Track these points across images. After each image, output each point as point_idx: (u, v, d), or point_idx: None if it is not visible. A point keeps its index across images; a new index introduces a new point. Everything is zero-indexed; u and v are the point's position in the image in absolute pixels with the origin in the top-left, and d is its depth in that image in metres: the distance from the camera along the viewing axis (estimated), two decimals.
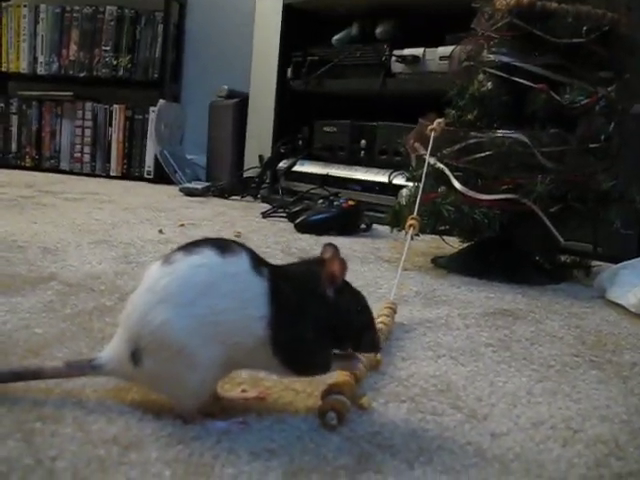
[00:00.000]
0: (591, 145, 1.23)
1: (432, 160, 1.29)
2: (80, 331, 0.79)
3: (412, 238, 1.15)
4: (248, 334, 0.54)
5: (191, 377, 0.54)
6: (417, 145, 1.35)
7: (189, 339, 0.53)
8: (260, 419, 0.58)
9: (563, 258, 1.45)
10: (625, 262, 1.24)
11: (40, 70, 3.27)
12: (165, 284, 0.54)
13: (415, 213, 1.18)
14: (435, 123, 1.31)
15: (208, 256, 0.55)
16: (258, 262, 0.56)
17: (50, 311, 0.86)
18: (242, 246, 0.57)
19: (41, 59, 3.26)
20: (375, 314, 0.63)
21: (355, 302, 0.59)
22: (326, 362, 0.59)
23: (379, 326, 0.81)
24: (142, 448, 0.51)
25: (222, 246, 0.56)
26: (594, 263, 1.42)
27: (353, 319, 0.58)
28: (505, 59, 1.28)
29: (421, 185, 1.23)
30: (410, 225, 1.15)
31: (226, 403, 0.61)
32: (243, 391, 0.63)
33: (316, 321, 0.56)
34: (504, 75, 1.28)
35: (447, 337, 0.90)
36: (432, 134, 1.29)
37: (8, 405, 0.56)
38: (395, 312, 0.92)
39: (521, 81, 1.25)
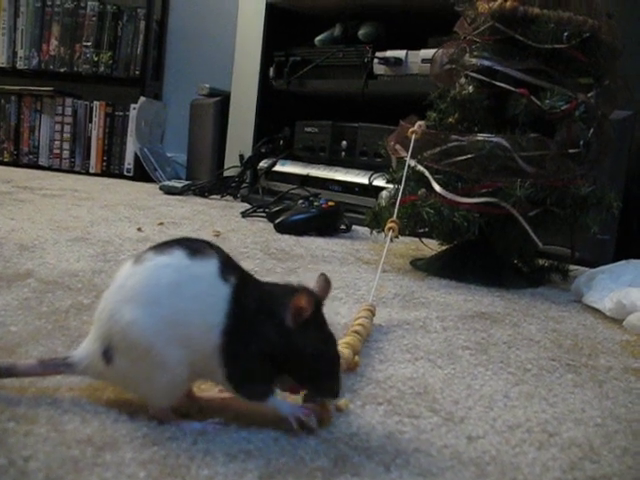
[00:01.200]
0: (570, 150, 1.24)
1: (412, 162, 1.29)
2: (56, 329, 0.78)
3: (392, 240, 1.16)
4: (205, 340, 0.53)
5: (160, 377, 0.54)
6: (398, 147, 1.36)
7: (155, 339, 0.52)
8: (237, 420, 0.58)
9: (541, 262, 1.46)
10: (602, 267, 1.25)
11: (20, 65, 3.23)
12: (133, 283, 0.54)
13: (395, 216, 1.18)
14: (416, 125, 1.31)
15: (176, 257, 0.54)
16: (229, 267, 0.55)
17: (26, 308, 0.85)
18: (216, 249, 0.57)
19: (21, 53, 3.23)
20: (354, 316, 0.63)
21: (317, 343, 0.55)
22: (265, 390, 0.56)
23: (356, 328, 0.82)
24: (117, 449, 0.50)
25: (193, 248, 0.55)
26: (572, 267, 1.44)
27: (309, 359, 0.55)
28: (487, 63, 1.29)
29: (401, 187, 1.24)
30: (390, 228, 1.16)
31: (203, 403, 0.61)
32: (220, 391, 0.62)
33: (267, 345, 0.54)
34: (485, 79, 1.29)
35: (425, 340, 0.90)
36: (413, 136, 1.29)
37: None
38: (373, 314, 0.92)
39: (502, 85, 1.26)
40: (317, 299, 0.56)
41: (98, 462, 0.48)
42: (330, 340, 0.57)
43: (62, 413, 0.56)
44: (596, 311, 1.16)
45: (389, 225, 1.16)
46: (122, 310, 0.53)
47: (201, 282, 0.54)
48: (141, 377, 0.54)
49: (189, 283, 0.53)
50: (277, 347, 0.54)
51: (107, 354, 0.54)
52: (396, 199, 1.24)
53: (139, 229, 1.55)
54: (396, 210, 1.19)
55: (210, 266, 0.54)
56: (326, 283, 0.59)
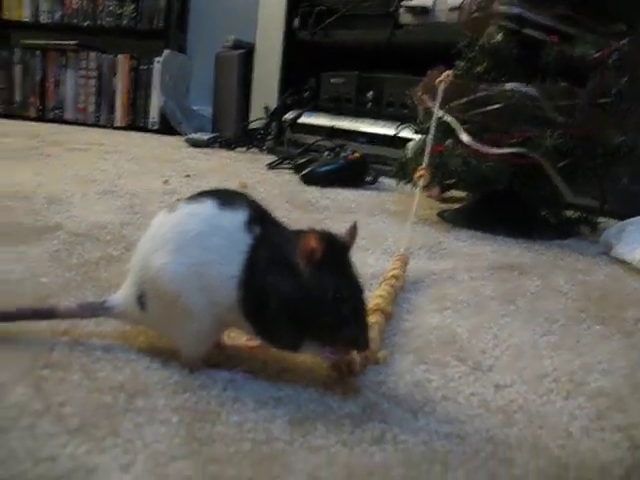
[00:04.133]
0: (601, 99, 1.21)
1: (440, 113, 1.27)
2: (86, 280, 0.79)
3: (422, 189, 1.15)
4: (225, 292, 0.53)
5: (189, 325, 0.54)
6: (425, 97, 1.34)
7: (182, 286, 0.53)
8: (265, 368, 0.59)
9: (570, 214, 1.44)
10: (632, 219, 1.23)
11: (43, 19, 3.22)
12: (164, 231, 0.55)
13: (424, 164, 1.17)
14: (443, 75, 1.29)
15: (206, 206, 0.54)
16: (256, 219, 0.54)
17: (56, 260, 0.86)
18: (248, 201, 0.56)
19: (44, 7, 3.22)
20: (388, 266, 0.61)
21: (336, 288, 0.52)
22: (293, 340, 0.54)
23: (391, 282, 0.81)
24: (149, 395, 0.51)
25: (225, 198, 0.55)
26: (601, 219, 1.42)
27: (327, 304, 0.52)
28: (516, 10, 1.26)
29: (429, 137, 1.22)
30: (420, 176, 1.15)
31: (231, 352, 0.61)
32: (248, 340, 0.63)
33: (282, 293, 0.52)
34: (515, 27, 1.26)
35: (452, 290, 0.90)
36: (441, 86, 1.27)
37: (16, 352, 0.57)
38: (406, 265, 0.91)
39: (532, 33, 1.23)
40: (339, 243, 0.54)
41: (130, 408, 0.49)
42: (353, 285, 0.54)
43: (95, 360, 0.57)
44: (625, 263, 1.14)
45: (419, 173, 1.15)
46: (153, 257, 0.54)
47: (223, 233, 0.53)
48: (172, 324, 0.55)
49: (212, 234, 0.53)
50: (293, 295, 0.52)
51: (141, 299, 0.56)
52: (423, 149, 1.23)
53: (165, 181, 1.56)
54: (426, 159, 1.18)
55: (237, 218, 0.54)
56: (352, 229, 0.57)
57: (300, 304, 0.52)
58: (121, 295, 0.59)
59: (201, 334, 0.55)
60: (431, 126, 1.24)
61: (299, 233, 0.53)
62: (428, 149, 1.20)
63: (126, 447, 0.44)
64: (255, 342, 0.61)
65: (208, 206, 0.54)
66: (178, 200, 0.57)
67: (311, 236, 0.51)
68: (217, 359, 0.59)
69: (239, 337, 0.64)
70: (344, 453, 0.46)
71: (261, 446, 0.46)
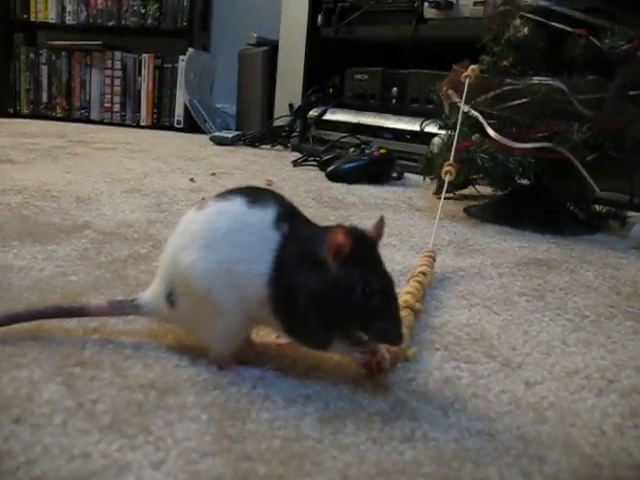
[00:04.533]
0: (631, 92, 1.19)
1: (466, 108, 1.26)
2: (115, 278, 0.80)
3: (449, 184, 1.14)
4: (254, 289, 0.53)
5: (219, 322, 0.54)
6: (451, 92, 1.33)
7: (212, 284, 0.53)
8: (295, 366, 0.59)
9: (598, 208, 1.42)
10: None
11: (69, 20, 3.25)
12: (194, 228, 0.55)
13: (452, 159, 1.16)
14: (469, 70, 1.28)
15: (236, 204, 0.54)
16: (284, 216, 0.54)
17: (85, 259, 0.87)
18: (277, 198, 0.56)
19: (69, 8, 3.24)
20: (415, 262, 0.61)
21: (366, 281, 0.51)
22: (323, 338, 0.54)
23: (419, 278, 0.80)
24: (179, 393, 0.52)
25: (254, 196, 0.55)
26: (630, 214, 1.40)
27: (357, 298, 0.51)
28: (543, 3, 1.24)
29: (456, 133, 1.21)
30: (447, 171, 1.14)
31: (260, 350, 0.62)
32: (277, 337, 0.63)
33: (312, 290, 0.52)
34: (541, 20, 1.25)
35: (480, 286, 0.89)
36: (466, 81, 1.26)
37: (48, 350, 0.57)
38: (434, 261, 0.91)
39: (559, 26, 1.22)
40: (367, 238, 0.54)
41: (161, 405, 0.50)
42: (384, 279, 0.53)
43: (125, 358, 0.57)
44: None
45: (446, 169, 1.14)
46: (182, 254, 0.54)
47: (253, 230, 0.53)
48: (201, 321, 0.55)
49: (241, 231, 0.53)
50: (322, 291, 0.51)
51: (170, 297, 0.56)
52: (449, 145, 1.22)
53: (192, 180, 1.56)
54: (452, 155, 1.17)
55: (266, 215, 0.54)
56: (380, 223, 0.56)
57: (329, 299, 0.52)
58: (150, 293, 0.59)
59: (231, 331, 0.55)
60: (457, 121, 1.23)
61: (327, 229, 0.53)
62: (455, 144, 1.19)
63: (157, 444, 0.44)
64: (284, 340, 0.61)
65: (237, 204, 0.54)
66: (205, 198, 0.57)
67: (338, 231, 0.51)
68: (246, 356, 0.59)
69: (268, 335, 0.64)
70: (374, 451, 0.46)
71: (291, 444, 0.46)
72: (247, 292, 0.53)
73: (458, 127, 1.22)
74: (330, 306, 0.52)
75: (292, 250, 0.53)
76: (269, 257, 0.53)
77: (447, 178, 1.14)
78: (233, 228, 0.53)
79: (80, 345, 0.59)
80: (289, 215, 0.55)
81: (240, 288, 0.53)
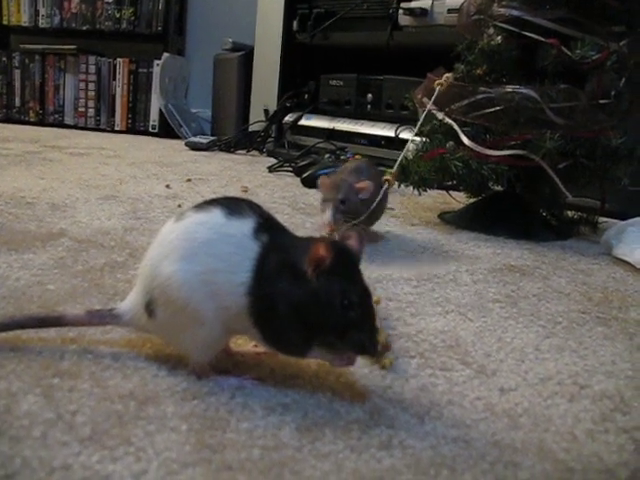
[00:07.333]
0: (601, 101, 1.22)
1: (440, 115, 1.28)
2: (92, 287, 0.80)
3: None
4: (233, 299, 0.54)
5: (198, 332, 0.55)
6: (425, 100, 1.34)
7: (191, 294, 0.53)
8: (273, 374, 0.59)
9: (570, 214, 1.45)
10: (632, 219, 1.24)
11: (42, 23, 3.22)
12: (172, 238, 0.55)
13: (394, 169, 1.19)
14: (443, 77, 1.30)
15: (214, 215, 0.55)
16: (263, 227, 0.55)
17: (62, 267, 0.87)
18: (255, 209, 0.57)
19: (43, 12, 3.22)
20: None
21: (344, 294, 0.52)
22: (301, 346, 0.55)
23: None
24: (158, 403, 0.52)
25: (232, 207, 0.56)
26: (601, 220, 1.42)
27: (335, 310, 0.52)
28: (515, 13, 1.26)
29: (409, 144, 1.23)
30: (386, 180, 1.16)
31: (239, 359, 0.62)
32: (255, 346, 0.63)
33: (291, 300, 0.52)
34: (514, 29, 1.26)
35: (455, 293, 0.91)
36: (437, 88, 1.28)
37: (26, 361, 0.57)
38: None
39: (531, 35, 1.24)
40: (348, 251, 0.55)
41: (141, 416, 0.50)
42: (362, 292, 0.54)
43: (104, 369, 0.57)
44: (626, 264, 1.15)
45: (385, 177, 1.16)
46: (161, 265, 0.55)
47: (232, 241, 0.54)
48: (180, 331, 0.56)
49: (220, 241, 0.54)
50: (302, 302, 0.52)
51: (149, 307, 0.56)
52: (425, 152, 1.24)
53: (167, 186, 1.56)
54: (396, 165, 1.20)
55: (244, 226, 0.55)
56: (360, 238, 0.57)
57: (308, 310, 0.52)
58: (129, 303, 0.59)
59: (210, 340, 0.56)
60: (417, 125, 1.25)
61: (307, 241, 0.54)
62: (402, 156, 1.22)
63: (138, 455, 0.45)
64: (261, 348, 0.62)
65: (215, 214, 0.55)
66: (182, 206, 0.57)
67: (320, 245, 0.52)
68: (225, 365, 0.60)
69: (246, 344, 0.64)
70: (352, 459, 0.47)
71: (271, 453, 0.47)
72: (226, 302, 0.54)
73: (416, 129, 1.23)
74: (309, 316, 0.53)
75: (272, 260, 0.53)
76: (248, 266, 0.53)
77: (385, 187, 1.15)
78: (211, 239, 0.54)
79: (58, 355, 0.59)
80: (267, 225, 0.56)
81: (219, 298, 0.54)
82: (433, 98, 1.27)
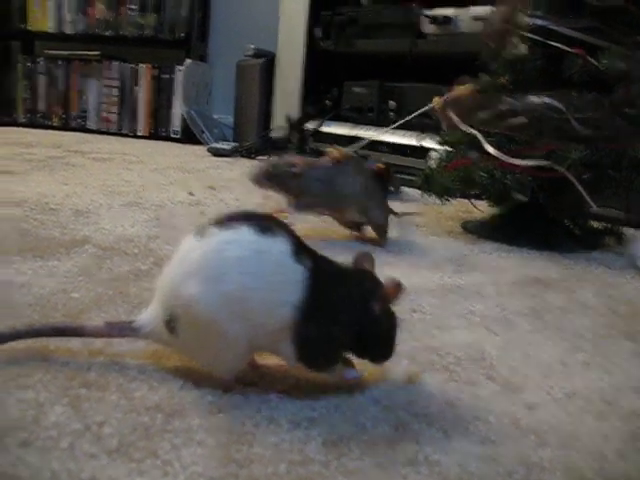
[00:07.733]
0: (627, 111, 1.20)
1: (464, 126, 1.27)
2: (117, 296, 0.80)
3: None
4: (274, 316, 0.54)
5: (222, 350, 0.55)
6: (448, 111, 1.34)
7: (218, 314, 0.53)
8: (298, 388, 0.59)
9: (595, 225, 1.43)
10: None
11: (67, 29, 3.25)
12: (197, 257, 0.54)
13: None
14: (467, 87, 1.29)
15: (242, 233, 0.54)
16: (299, 248, 0.56)
17: (86, 275, 0.87)
18: (282, 226, 0.57)
19: (67, 18, 3.25)
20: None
21: (391, 322, 0.59)
22: (332, 364, 0.58)
23: None
24: (185, 416, 0.52)
25: (260, 224, 0.55)
26: (627, 231, 1.41)
27: (385, 336, 0.59)
28: (540, 22, 1.26)
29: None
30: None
31: (264, 371, 0.62)
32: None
33: (347, 325, 0.56)
34: (539, 39, 1.26)
35: (479, 305, 0.90)
36: (464, 99, 1.28)
37: (53, 371, 0.57)
38: None
39: (557, 45, 1.23)
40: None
41: (168, 428, 0.50)
42: (395, 316, 0.60)
43: (130, 380, 0.57)
44: None
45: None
46: (185, 284, 0.53)
47: (269, 259, 0.54)
48: (204, 349, 0.56)
49: (255, 259, 0.53)
50: (357, 327, 0.56)
51: (170, 324, 0.56)
52: (448, 161, 1.23)
53: (190, 193, 1.57)
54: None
55: (279, 244, 0.54)
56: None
57: (363, 335, 0.57)
58: (149, 316, 0.59)
59: (234, 357, 0.56)
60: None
61: (353, 270, 0.61)
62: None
63: (165, 469, 0.45)
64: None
65: (244, 233, 0.54)
66: (205, 225, 0.56)
67: (392, 289, 0.58)
68: (250, 378, 0.60)
69: (271, 356, 0.64)
70: (379, 476, 0.47)
71: (297, 468, 0.47)
72: (261, 319, 0.54)
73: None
74: (368, 341, 0.58)
75: (326, 285, 0.56)
76: (299, 287, 0.54)
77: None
78: (244, 257, 0.53)
79: (85, 366, 0.59)
80: (301, 245, 0.56)
81: (251, 316, 0.53)
82: (451, 111, 1.27)
